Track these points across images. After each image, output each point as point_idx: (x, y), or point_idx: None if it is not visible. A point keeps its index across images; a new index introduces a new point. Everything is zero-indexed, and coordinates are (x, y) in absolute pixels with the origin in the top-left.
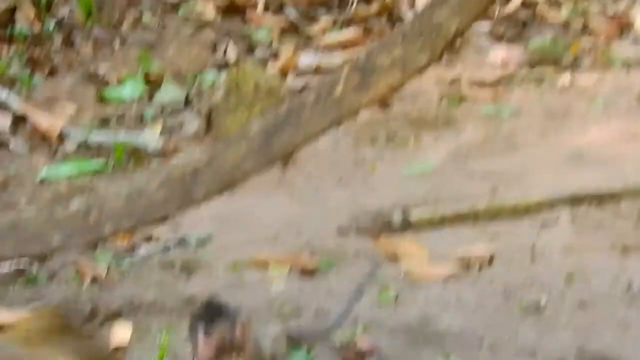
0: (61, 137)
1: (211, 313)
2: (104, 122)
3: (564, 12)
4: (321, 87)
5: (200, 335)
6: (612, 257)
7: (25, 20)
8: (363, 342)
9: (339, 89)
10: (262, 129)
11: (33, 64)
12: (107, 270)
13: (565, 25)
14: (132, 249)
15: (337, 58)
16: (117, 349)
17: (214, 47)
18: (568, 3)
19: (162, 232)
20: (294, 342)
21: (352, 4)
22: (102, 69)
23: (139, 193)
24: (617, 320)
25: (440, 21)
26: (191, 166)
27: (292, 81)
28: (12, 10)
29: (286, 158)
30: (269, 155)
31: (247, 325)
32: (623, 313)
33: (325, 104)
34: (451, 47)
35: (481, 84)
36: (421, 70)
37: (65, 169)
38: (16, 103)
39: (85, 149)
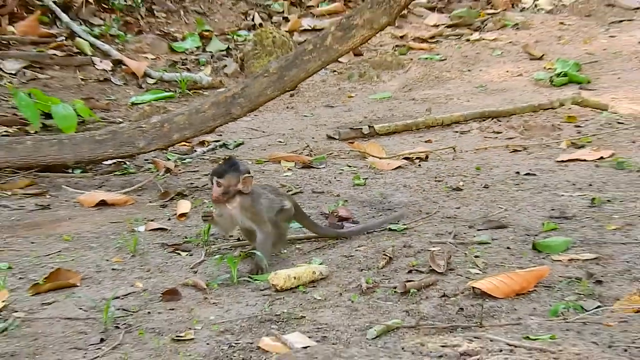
0: (145, 75)
1: (226, 167)
2: (173, 65)
3: None
4: (316, 40)
5: (214, 180)
6: (506, 155)
7: None
8: (342, 211)
9: (328, 40)
10: (277, 68)
11: (126, 26)
12: (175, 164)
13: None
14: (191, 149)
15: (326, 22)
16: (182, 215)
17: (245, 15)
18: None
19: (211, 138)
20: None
21: None
22: (172, 29)
23: (196, 112)
24: (509, 197)
25: None
26: (230, 93)
27: (297, 37)
28: None
29: (293, 88)
30: (282, 86)
31: (250, 178)
32: (513, 192)
33: (319, 51)
34: (402, 13)
35: (420, 39)
36: (382, 28)
37: (147, 96)
38: (115, 52)
39: (161, 83)
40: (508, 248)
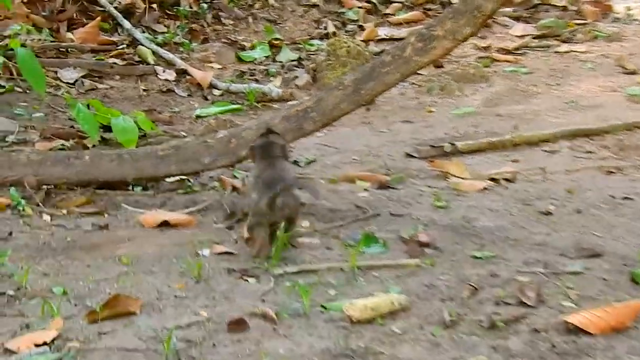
0: (211, 86)
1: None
2: (240, 76)
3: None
4: (394, 51)
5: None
6: (599, 176)
7: (186, 2)
8: (423, 236)
9: (407, 52)
10: (352, 80)
11: (191, 34)
12: (242, 182)
13: (564, 9)
14: None
15: (404, 31)
16: (248, 239)
17: (318, 23)
18: None
19: None
20: (372, 236)
21: None
22: (240, 37)
23: (265, 126)
24: (604, 223)
25: (480, 3)
26: (302, 107)
27: (373, 47)
28: None
29: (369, 102)
30: (358, 99)
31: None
32: (608, 218)
33: (397, 63)
34: (486, 23)
35: (505, 51)
36: (465, 39)
37: (213, 109)
38: (179, 61)
39: (228, 94)
40: (603, 279)
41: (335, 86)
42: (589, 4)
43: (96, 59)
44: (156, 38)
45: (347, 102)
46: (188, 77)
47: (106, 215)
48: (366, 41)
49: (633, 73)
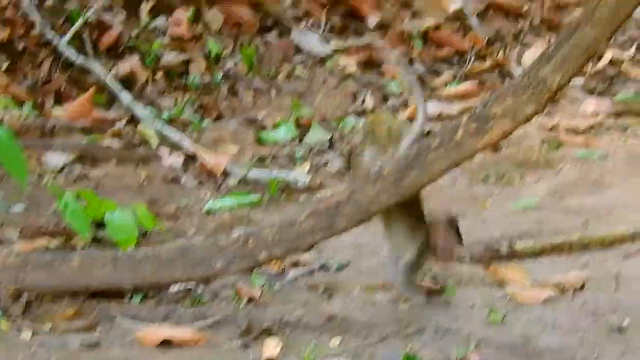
0: (225, 173)
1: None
2: (261, 161)
3: None
4: (444, 133)
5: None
6: None
7: (197, 71)
8: (474, 357)
9: (458, 134)
10: (394, 168)
11: (203, 109)
12: (261, 291)
13: None
14: (282, 272)
15: (456, 107)
16: None
17: (354, 96)
18: None
19: (308, 257)
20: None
21: (469, 60)
22: (260, 114)
23: (289, 224)
24: None
25: (545, 76)
26: (334, 200)
27: None
28: (186, 63)
29: (413, 195)
30: (400, 192)
31: None
32: None
33: (447, 147)
34: (553, 99)
35: (575, 131)
36: (528, 119)
37: (227, 202)
38: (187, 143)
39: (245, 184)
40: None
41: (374, 175)
42: None
43: (88, 140)
44: (161, 114)
45: (387, 194)
46: (198, 162)
47: (98, 330)
48: (411, 119)
49: None
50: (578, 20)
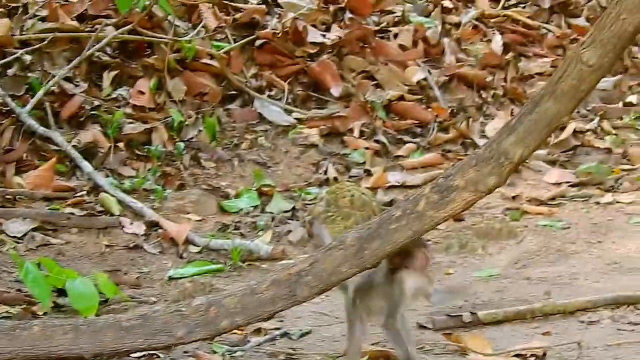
0: (187, 242)
1: None
2: (223, 230)
3: (607, 141)
4: (406, 204)
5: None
6: None
7: (159, 141)
8: None
9: (420, 205)
10: (355, 239)
11: (165, 178)
12: (223, 359)
13: (609, 151)
14: (243, 340)
15: (419, 177)
16: None
17: (316, 166)
18: (611, 133)
19: (270, 325)
20: None
21: (433, 130)
22: (223, 183)
23: (251, 292)
24: None
25: (507, 149)
26: (296, 269)
27: (381, 196)
28: (148, 132)
29: (375, 265)
30: (361, 262)
31: None
32: None
33: (409, 218)
34: (516, 171)
35: (538, 201)
36: (490, 191)
37: (189, 270)
38: (149, 212)
39: (207, 252)
40: None
41: (335, 245)
42: (638, 146)
43: (50, 209)
44: (122, 184)
45: (348, 264)
46: (160, 230)
47: None
48: (374, 189)
49: None
50: (541, 93)
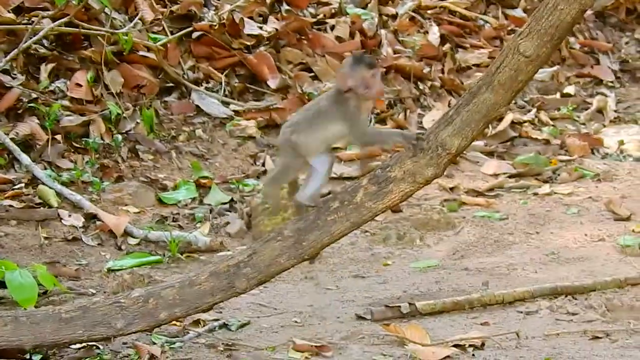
0: (125, 234)
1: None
2: (161, 221)
3: (545, 132)
4: (343, 195)
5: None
6: (583, 342)
7: (97, 133)
8: None
9: (358, 197)
10: (294, 230)
11: (103, 171)
12: (162, 350)
13: (546, 142)
14: (182, 331)
15: (357, 169)
16: None
17: (254, 158)
18: (548, 124)
19: (209, 316)
20: None
21: (370, 122)
22: (161, 175)
23: (190, 284)
24: None
25: (444, 140)
26: (234, 261)
27: None
28: (86, 124)
29: (314, 256)
30: (300, 253)
31: None
32: None
33: (347, 209)
34: (453, 162)
35: (476, 192)
36: (428, 182)
37: (128, 261)
38: (88, 204)
39: (146, 244)
40: None
41: (273, 236)
42: (575, 137)
43: None
44: (60, 176)
45: (286, 255)
46: (98, 222)
47: None
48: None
49: (626, 219)
50: (478, 84)
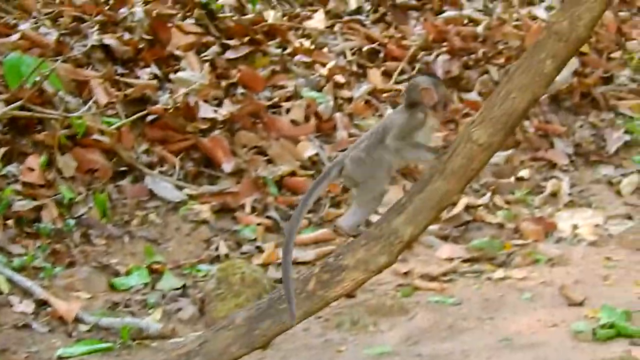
0: (76, 320)
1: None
2: (113, 307)
3: (499, 216)
4: (296, 283)
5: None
6: None
7: (49, 218)
8: None
9: (310, 285)
10: (245, 319)
11: (55, 256)
12: None
13: (501, 226)
14: None
15: (311, 253)
16: None
17: (208, 243)
18: (503, 208)
19: None
20: None
21: (325, 206)
22: (113, 260)
23: None
24: None
25: (397, 228)
26: (185, 350)
27: (273, 273)
28: (38, 209)
29: (265, 345)
30: (252, 341)
31: None
32: None
33: (299, 298)
34: (407, 249)
35: (430, 277)
36: (381, 270)
37: (78, 349)
38: (38, 290)
39: (97, 330)
40: None
41: (225, 325)
42: (530, 221)
43: None
44: (11, 262)
45: (238, 344)
46: (49, 309)
47: None
48: (265, 265)
49: (580, 304)
50: (431, 171)
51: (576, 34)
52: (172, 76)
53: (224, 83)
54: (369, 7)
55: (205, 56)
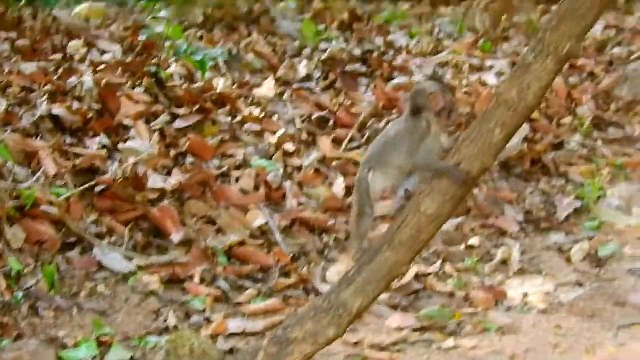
0: None
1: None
2: None
3: (449, 284)
4: (245, 356)
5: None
6: None
7: None
8: None
9: (259, 358)
10: None
11: (2, 329)
12: None
13: (451, 295)
14: None
15: (260, 324)
16: None
17: (157, 314)
18: (453, 276)
19: None
20: None
21: (274, 276)
22: (62, 333)
23: None
24: None
25: (346, 300)
26: None
27: (222, 344)
28: None
29: None
30: None
31: None
32: None
33: None
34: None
35: (380, 347)
36: (329, 343)
37: None
38: None
39: None
40: None
41: None
42: (480, 289)
43: None
44: None
45: None
46: None
47: None
48: (214, 336)
49: None
50: (380, 242)
51: (525, 103)
52: (121, 146)
53: (173, 152)
54: (318, 75)
55: (154, 125)
